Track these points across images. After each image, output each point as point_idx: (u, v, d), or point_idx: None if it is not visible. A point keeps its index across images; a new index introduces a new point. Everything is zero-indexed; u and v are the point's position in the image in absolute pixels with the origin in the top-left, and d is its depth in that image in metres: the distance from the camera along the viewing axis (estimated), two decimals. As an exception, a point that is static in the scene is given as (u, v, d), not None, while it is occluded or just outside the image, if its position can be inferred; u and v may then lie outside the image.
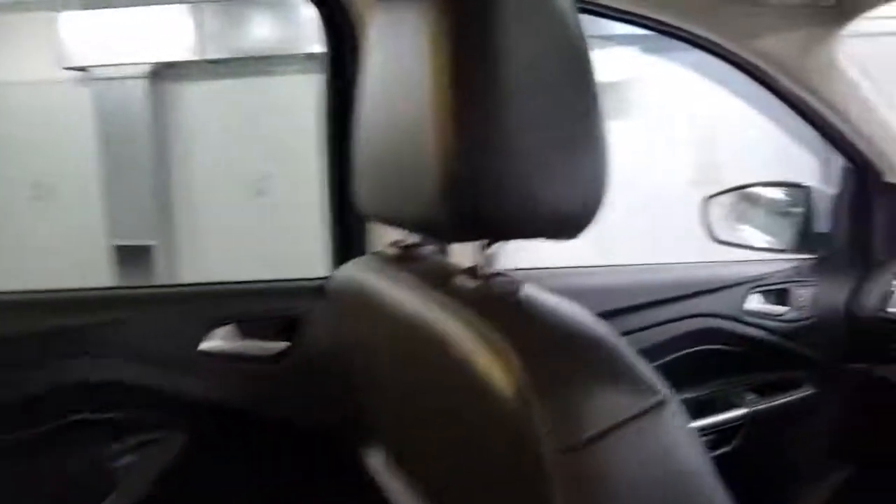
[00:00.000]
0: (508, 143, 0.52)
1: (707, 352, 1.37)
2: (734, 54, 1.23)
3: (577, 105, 0.55)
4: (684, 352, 1.36)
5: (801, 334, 1.41)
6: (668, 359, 1.35)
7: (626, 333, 1.32)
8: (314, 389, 1.05)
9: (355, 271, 0.79)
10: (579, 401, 0.46)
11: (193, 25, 5.49)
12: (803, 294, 1.42)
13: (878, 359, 1.39)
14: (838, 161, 1.45)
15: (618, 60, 5.08)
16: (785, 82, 1.25)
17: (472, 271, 0.59)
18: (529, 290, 0.57)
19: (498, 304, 0.56)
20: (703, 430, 1.36)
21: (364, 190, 0.68)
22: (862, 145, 1.34)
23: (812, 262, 1.48)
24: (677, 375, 1.40)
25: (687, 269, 1.45)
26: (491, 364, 0.48)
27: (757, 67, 1.23)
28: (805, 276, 1.44)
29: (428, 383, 0.62)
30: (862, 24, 1.26)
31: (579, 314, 0.55)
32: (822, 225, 1.49)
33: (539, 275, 1.33)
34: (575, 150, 0.55)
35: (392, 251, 0.76)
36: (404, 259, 0.74)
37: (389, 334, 0.68)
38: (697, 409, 1.38)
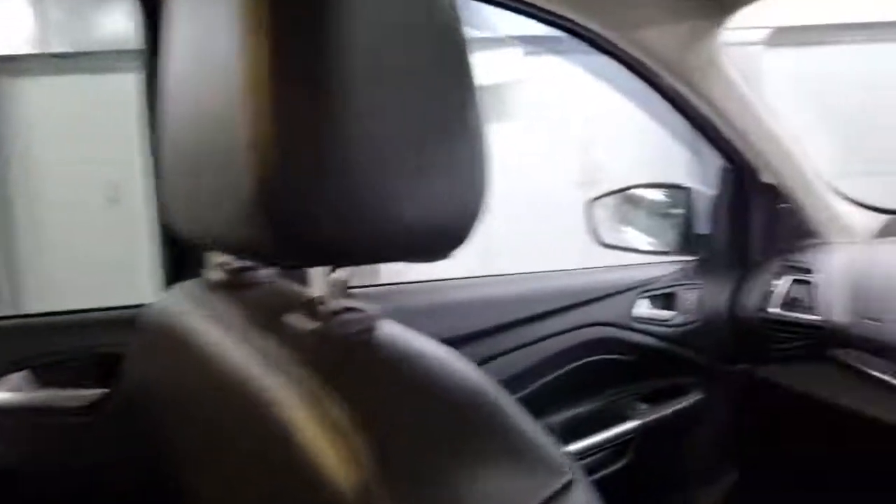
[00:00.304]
0: (349, 143, 0.37)
1: (598, 362, 1.30)
2: (616, 47, 1.16)
3: (449, 97, 0.42)
4: (575, 364, 1.28)
5: (688, 339, 1.37)
6: (559, 373, 1.26)
7: (515, 348, 1.25)
8: (135, 447, 0.84)
9: (171, 301, 0.61)
10: (455, 497, 0.32)
11: (34, 16, 4.90)
12: (689, 297, 1.39)
13: (761, 359, 1.38)
14: (718, 161, 1.43)
15: (501, 62, 5.11)
16: (666, 78, 1.20)
17: (312, 305, 0.44)
18: (387, 333, 0.43)
19: (340, 356, 0.41)
20: (596, 448, 1.28)
21: (172, 202, 0.51)
22: (739, 144, 1.32)
23: (695, 264, 1.45)
24: (570, 389, 1.34)
25: (575, 275, 1.38)
26: (326, 446, 0.33)
27: (639, 62, 1.17)
28: (690, 279, 1.41)
29: (242, 460, 0.46)
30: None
31: (456, 369, 0.41)
32: (702, 226, 1.47)
33: (415, 290, 1.21)
34: (444, 151, 0.41)
35: (218, 275, 0.58)
36: (234, 286, 0.57)
37: (197, 387, 0.51)
38: (589, 424, 1.30)
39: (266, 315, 0.48)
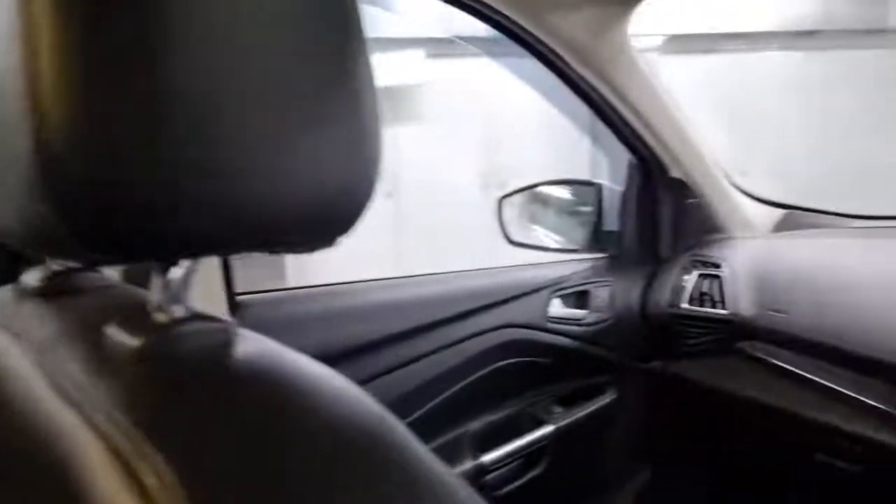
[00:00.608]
0: (173, 100, 0.27)
1: (513, 365, 1.24)
2: (527, 32, 1.10)
3: (327, 46, 0.33)
4: (489, 368, 1.21)
5: (601, 337, 1.34)
6: (473, 378, 1.19)
7: (426, 354, 1.16)
8: None
9: None
10: None
11: None
12: (601, 295, 1.35)
13: (672, 355, 1.37)
14: (626, 157, 1.41)
15: (401, 64, 5.04)
16: (576, 67, 1.16)
17: (142, 315, 0.33)
18: (239, 350, 0.33)
19: (166, 381, 0.31)
20: (511, 457, 1.22)
21: None
22: (648, 138, 1.30)
23: (606, 261, 1.42)
24: (484, 395, 1.27)
25: (486, 276, 1.31)
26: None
27: (549, 49, 1.12)
28: (601, 277, 1.38)
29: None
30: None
31: (326, 393, 0.32)
32: (612, 222, 1.45)
33: (314, 294, 1.10)
34: (324, 114, 0.32)
35: (36, 280, 0.46)
36: (55, 292, 0.45)
37: None
38: (505, 431, 1.24)
39: (84, 327, 0.36)
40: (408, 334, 1.10)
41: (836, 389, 1.10)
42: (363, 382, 1.01)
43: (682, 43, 5.09)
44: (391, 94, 5.21)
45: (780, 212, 1.52)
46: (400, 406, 1.08)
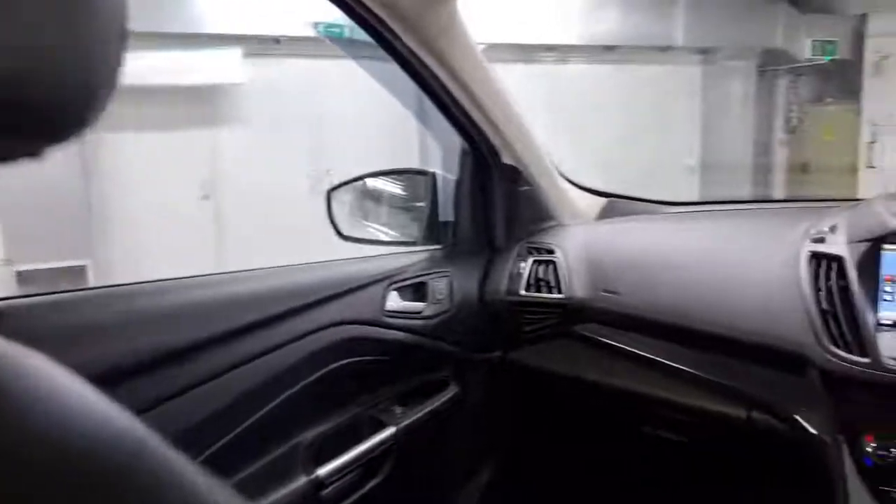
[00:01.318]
0: None
1: (348, 366, 1.13)
2: (358, 2, 1.00)
3: None
4: (324, 370, 1.09)
5: (441, 330, 1.28)
6: (305, 382, 1.06)
7: (249, 360, 1.02)
8: None
9: None
10: None
11: None
12: (439, 286, 1.30)
13: (513, 344, 1.35)
14: (459, 144, 1.37)
15: (218, 62, 4.70)
16: (405, 39, 1.08)
17: None
18: None
19: None
20: (350, 466, 1.11)
21: None
22: (480, 122, 1.26)
23: (443, 251, 1.37)
24: (319, 401, 1.15)
25: (315, 270, 1.19)
26: None
27: (376, 17, 1.03)
28: (439, 267, 1.32)
29: None
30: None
31: (89, 422, 0.24)
32: (449, 212, 1.41)
33: (105, 296, 0.91)
34: None
35: None
36: None
37: None
38: (342, 439, 1.13)
39: None
40: (225, 338, 0.95)
41: (665, 363, 1.14)
42: (174, 396, 0.84)
43: (499, 52, 5.32)
44: (208, 94, 4.84)
45: (602, 200, 1.58)
46: (218, 420, 0.93)
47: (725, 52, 7.12)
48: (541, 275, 1.30)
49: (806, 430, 0.96)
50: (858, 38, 7.56)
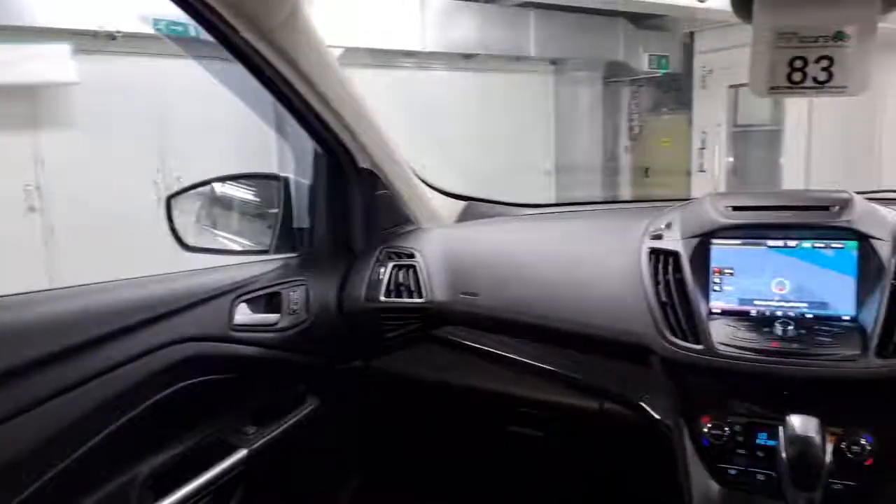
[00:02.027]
0: None
1: (195, 386, 1.04)
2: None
3: None
4: (165, 392, 1.00)
5: (298, 342, 1.21)
6: (145, 406, 0.96)
7: (80, 383, 0.89)
8: None
9: None
10: None
11: None
12: (295, 296, 1.23)
13: (375, 351, 1.32)
14: (312, 147, 1.32)
15: (42, 59, 4.24)
16: (250, 39, 1.01)
17: None
18: None
19: None
20: (196, 496, 1.02)
21: None
22: (334, 125, 1.22)
23: (299, 259, 1.31)
24: (159, 426, 1.04)
25: (156, 282, 1.09)
26: None
27: (216, 13, 0.95)
28: (294, 276, 1.25)
29: None
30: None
31: None
32: (304, 218, 1.34)
33: None
34: None
35: None
36: None
37: None
38: (187, 467, 1.03)
39: None
40: (50, 360, 0.83)
41: (523, 361, 1.15)
42: None
43: (356, 57, 5.27)
44: (32, 93, 4.36)
45: (461, 203, 1.59)
46: (43, 451, 0.82)
47: (574, 63, 7.57)
48: (401, 279, 1.27)
49: (651, 415, 1.01)
50: (688, 54, 8.35)
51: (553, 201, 4.54)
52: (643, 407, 1.02)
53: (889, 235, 0.93)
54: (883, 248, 0.92)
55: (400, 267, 1.28)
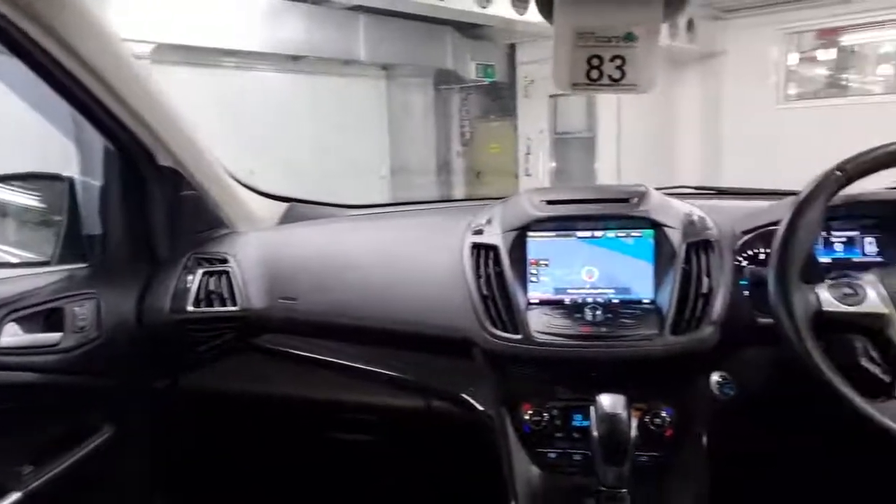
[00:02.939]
0: None
1: None
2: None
3: None
4: None
5: (87, 363, 1.06)
6: None
7: None
8: None
9: None
10: None
11: None
12: (82, 312, 1.07)
13: (182, 367, 1.19)
14: (101, 144, 1.16)
15: None
16: (22, 25, 0.86)
17: None
18: None
19: None
20: None
21: None
22: (126, 120, 1.08)
23: (89, 269, 1.15)
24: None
25: None
26: None
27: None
28: (82, 288, 1.10)
29: None
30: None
31: None
32: (95, 223, 1.19)
33: None
34: None
35: None
36: None
37: None
38: None
39: None
40: None
41: (347, 365, 1.11)
42: None
43: (169, 54, 4.91)
44: None
45: (283, 205, 1.51)
46: None
47: (405, 69, 7.68)
48: (212, 287, 1.16)
49: (475, 408, 1.01)
50: (512, 64, 8.82)
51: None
52: (467, 400, 1.02)
53: (679, 224, 1.01)
54: (674, 236, 0.99)
55: (211, 274, 1.18)
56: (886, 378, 0.79)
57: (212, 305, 1.15)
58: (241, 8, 5.54)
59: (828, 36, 8.24)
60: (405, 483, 1.28)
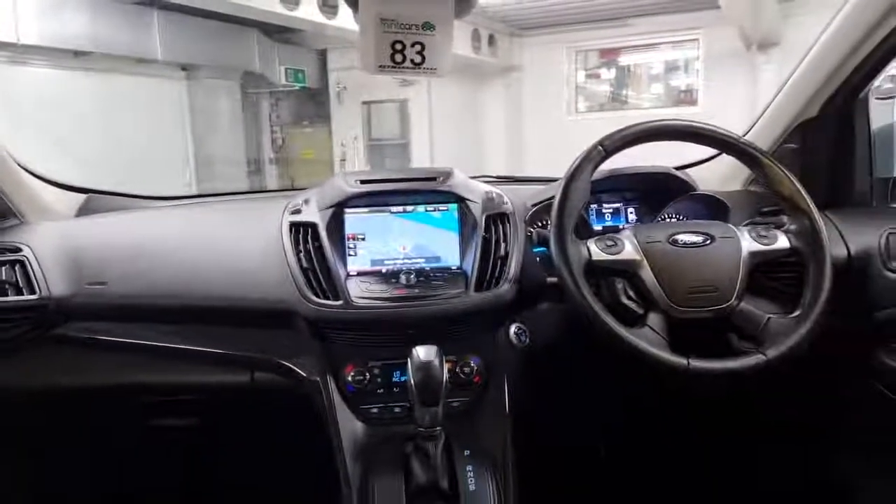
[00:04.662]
0: None
1: None
2: None
3: None
4: None
5: None
6: None
7: None
8: None
9: None
10: None
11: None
12: None
13: None
14: None
15: None
16: None
17: None
18: None
19: None
20: None
21: None
22: None
23: None
24: None
25: None
26: None
27: None
28: None
29: None
30: None
31: None
32: None
33: None
34: None
35: None
36: None
37: None
38: None
39: None
40: None
41: (165, 347, 1.09)
42: None
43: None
44: None
45: (81, 196, 1.42)
46: None
47: (208, 71, 7.32)
48: (4, 276, 1.08)
49: (300, 375, 1.05)
50: (324, 70, 8.80)
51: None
52: (292, 368, 1.06)
53: (479, 199, 1.14)
54: (475, 209, 1.12)
55: (2, 263, 1.09)
56: (640, 311, 0.98)
57: (6, 295, 1.06)
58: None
59: (609, 56, 9.36)
60: (237, 460, 1.28)
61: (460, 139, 8.72)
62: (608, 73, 9.58)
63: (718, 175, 1.34)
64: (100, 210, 1.37)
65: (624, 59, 9.31)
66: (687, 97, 8.86)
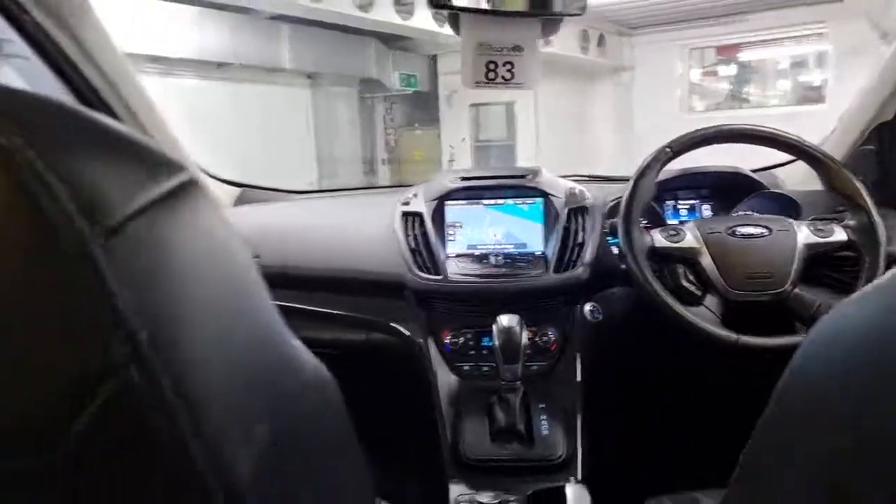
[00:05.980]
0: None
1: None
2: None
3: None
4: None
5: None
6: None
7: None
8: None
9: None
10: (104, 181, 0.30)
11: None
12: None
13: None
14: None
15: None
16: (36, 15, 1.04)
17: None
18: None
19: None
20: None
21: None
22: (129, 121, 1.25)
23: None
24: None
25: None
26: None
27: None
28: None
29: None
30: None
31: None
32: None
33: None
34: None
35: None
36: None
37: None
38: None
39: None
40: None
41: (305, 309, 1.35)
42: None
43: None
44: None
45: (237, 189, 1.73)
46: None
47: (330, 78, 7.85)
48: None
49: (406, 336, 1.28)
50: (434, 75, 9.14)
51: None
52: (400, 330, 1.29)
53: (563, 194, 1.32)
54: (558, 203, 1.30)
55: None
56: (698, 293, 1.12)
57: None
58: (167, 16, 5.60)
59: (727, 53, 9.03)
60: (352, 405, 1.51)
61: (567, 140, 8.75)
62: (727, 70, 9.24)
63: (801, 175, 1.42)
64: (250, 201, 1.67)
65: (744, 56, 8.93)
66: (814, 94, 8.39)
